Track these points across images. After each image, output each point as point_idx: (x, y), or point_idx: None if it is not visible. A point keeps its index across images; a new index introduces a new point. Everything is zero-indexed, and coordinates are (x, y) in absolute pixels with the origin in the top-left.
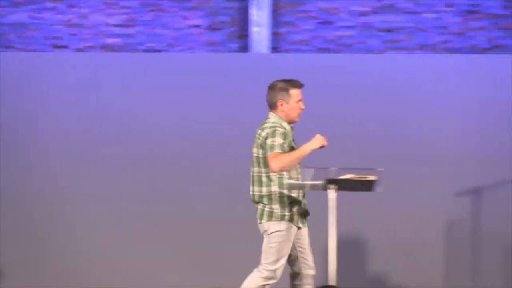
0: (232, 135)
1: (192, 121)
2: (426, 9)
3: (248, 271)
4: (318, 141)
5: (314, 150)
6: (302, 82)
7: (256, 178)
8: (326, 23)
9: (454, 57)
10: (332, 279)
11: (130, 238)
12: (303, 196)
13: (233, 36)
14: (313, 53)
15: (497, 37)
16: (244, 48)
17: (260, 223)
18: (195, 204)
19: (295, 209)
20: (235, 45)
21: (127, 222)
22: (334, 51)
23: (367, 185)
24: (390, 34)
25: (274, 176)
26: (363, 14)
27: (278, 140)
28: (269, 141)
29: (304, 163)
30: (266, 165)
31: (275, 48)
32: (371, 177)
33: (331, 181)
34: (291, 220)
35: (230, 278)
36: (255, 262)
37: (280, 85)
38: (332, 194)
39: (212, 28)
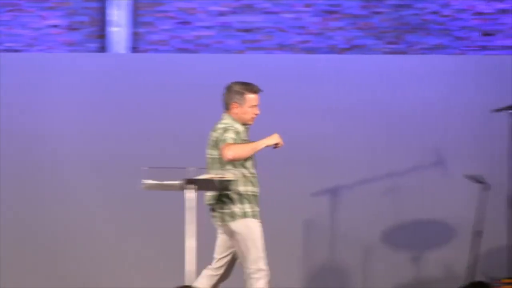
0: (92, 134)
1: (51, 120)
2: (285, 9)
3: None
4: (274, 138)
5: (268, 146)
6: (160, 82)
7: None
8: (184, 23)
9: (313, 57)
10: (189, 279)
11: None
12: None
13: (92, 36)
14: (171, 53)
15: (356, 37)
16: (103, 48)
17: (224, 225)
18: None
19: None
20: (94, 45)
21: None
22: (193, 51)
23: (226, 185)
24: (249, 34)
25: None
26: (221, 14)
27: (230, 135)
28: (221, 136)
29: (166, 163)
30: (222, 165)
31: (134, 48)
32: (230, 177)
33: (189, 181)
34: (254, 216)
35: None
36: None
37: (237, 87)
38: (190, 194)
39: (71, 28)
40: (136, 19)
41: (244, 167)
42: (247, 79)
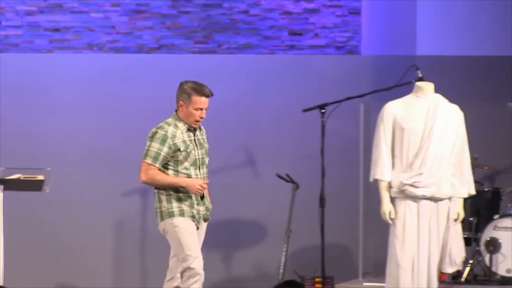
0: None
1: None
2: (93, 8)
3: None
4: (193, 185)
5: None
6: None
7: None
8: None
9: (122, 57)
10: (0, 279)
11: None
12: (202, 197)
13: None
14: None
15: (164, 37)
16: None
17: (158, 224)
18: None
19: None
20: None
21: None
22: (1, 51)
23: (35, 185)
24: (57, 34)
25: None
26: (29, 13)
27: (154, 145)
28: (147, 143)
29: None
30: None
31: None
32: (40, 177)
33: None
34: (182, 214)
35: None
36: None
37: (186, 86)
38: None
39: None
40: None
41: (179, 166)
42: (56, 79)
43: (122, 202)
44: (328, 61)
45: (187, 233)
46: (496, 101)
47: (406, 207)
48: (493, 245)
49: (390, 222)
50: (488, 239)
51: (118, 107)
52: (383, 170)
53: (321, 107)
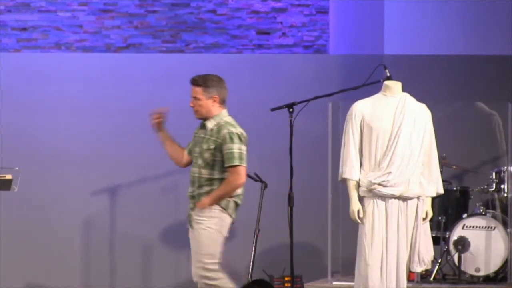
0: None
1: None
2: (61, 7)
3: None
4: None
5: None
6: None
7: None
8: None
9: (90, 56)
10: None
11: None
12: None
13: None
14: None
15: (132, 36)
16: None
17: None
18: None
19: None
20: None
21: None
22: None
23: (4, 184)
24: (25, 33)
25: None
26: None
27: None
28: None
29: None
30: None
31: None
32: (8, 176)
33: None
34: None
35: None
36: None
37: None
38: None
39: None
40: None
41: None
42: (24, 79)
43: (91, 201)
44: (296, 60)
45: None
46: (464, 100)
47: (375, 206)
48: (462, 244)
49: (359, 221)
50: (456, 238)
51: (85, 107)
52: (352, 169)
53: (289, 106)
